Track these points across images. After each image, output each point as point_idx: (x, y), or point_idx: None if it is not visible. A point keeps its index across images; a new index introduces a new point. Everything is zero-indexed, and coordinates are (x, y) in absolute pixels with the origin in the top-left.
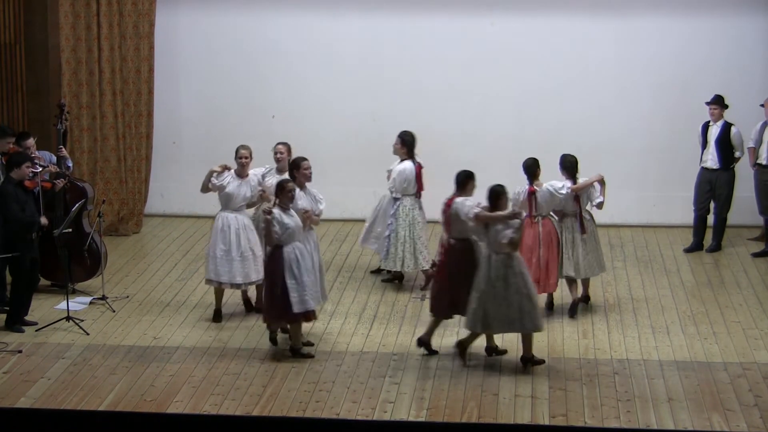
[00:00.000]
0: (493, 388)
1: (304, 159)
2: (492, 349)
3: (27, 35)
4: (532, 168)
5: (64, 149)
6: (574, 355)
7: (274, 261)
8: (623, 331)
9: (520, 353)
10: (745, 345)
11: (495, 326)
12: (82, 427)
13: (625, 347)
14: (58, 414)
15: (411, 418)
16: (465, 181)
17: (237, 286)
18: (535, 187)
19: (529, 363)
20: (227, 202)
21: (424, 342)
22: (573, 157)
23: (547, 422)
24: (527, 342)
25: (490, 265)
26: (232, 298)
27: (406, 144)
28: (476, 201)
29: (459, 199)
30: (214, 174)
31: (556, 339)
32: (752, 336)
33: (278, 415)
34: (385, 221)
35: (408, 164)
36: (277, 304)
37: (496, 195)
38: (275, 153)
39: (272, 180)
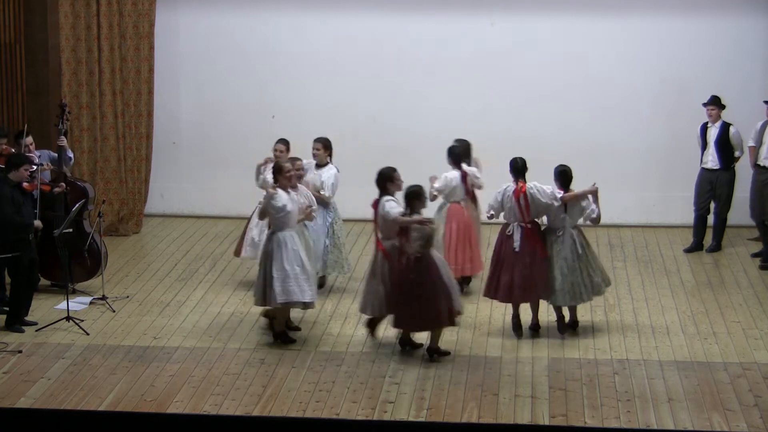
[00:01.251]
0: (493, 388)
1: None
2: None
3: (27, 35)
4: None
5: (65, 139)
6: (574, 355)
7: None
8: (623, 331)
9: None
10: (745, 345)
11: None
12: (82, 428)
13: (625, 347)
14: (58, 414)
15: (411, 418)
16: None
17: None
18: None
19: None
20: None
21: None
22: (568, 167)
23: (547, 422)
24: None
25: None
26: (228, 299)
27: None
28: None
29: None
30: (262, 168)
31: (556, 339)
32: (752, 336)
33: (278, 415)
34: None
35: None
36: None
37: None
38: (274, 151)
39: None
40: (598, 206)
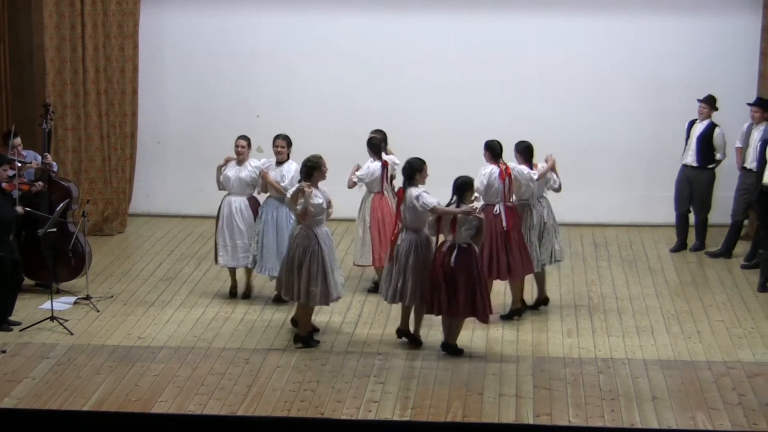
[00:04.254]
0: (477, 388)
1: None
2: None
3: (11, 35)
4: (501, 150)
5: (49, 156)
6: (559, 354)
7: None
8: (608, 330)
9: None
10: (729, 344)
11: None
12: (66, 428)
13: (610, 346)
14: (43, 414)
15: (396, 418)
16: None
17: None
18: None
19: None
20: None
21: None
22: (530, 143)
23: (531, 421)
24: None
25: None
26: (212, 299)
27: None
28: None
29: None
30: (222, 168)
31: (540, 338)
32: (736, 335)
33: (263, 414)
34: None
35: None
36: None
37: (465, 187)
38: (236, 147)
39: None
40: (557, 176)
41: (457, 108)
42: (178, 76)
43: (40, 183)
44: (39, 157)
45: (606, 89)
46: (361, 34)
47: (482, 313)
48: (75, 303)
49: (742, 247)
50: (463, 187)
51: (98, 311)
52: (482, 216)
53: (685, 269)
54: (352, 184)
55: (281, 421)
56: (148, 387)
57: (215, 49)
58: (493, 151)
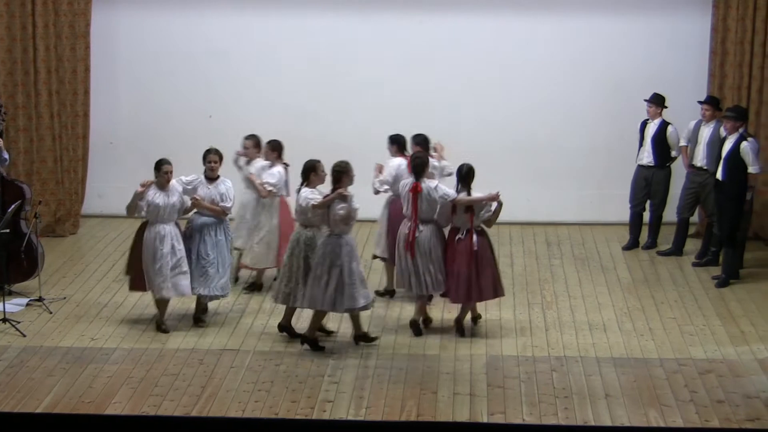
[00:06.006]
0: (431, 387)
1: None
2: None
3: None
4: (421, 167)
5: (0, 140)
6: (512, 352)
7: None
8: (561, 329)
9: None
10: (680, 341)
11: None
12: (19, 430)
13: (563, 344)
14: None
15: (350, 417)
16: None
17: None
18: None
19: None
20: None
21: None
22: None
23: (485, 420)
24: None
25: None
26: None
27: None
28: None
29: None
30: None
31: (494, 337)
32: (688, 332)
33: (217, 415)
34: None
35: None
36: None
37: (472, 174)
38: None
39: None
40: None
41: (410, 109)
42: (130, 76)
43: None
44: None
45: (558, 89)
46: (313, 34)
47: (501, 289)
48: (27, 305)
49: (693, 245)
50: (469, 174)
51: (51, 313)
52: (502, 200)
53: (638, 267)
54: (267, 193)
55: (236, 422)
56: (101, 388)
57: (167, 49)
58: (399, 144)
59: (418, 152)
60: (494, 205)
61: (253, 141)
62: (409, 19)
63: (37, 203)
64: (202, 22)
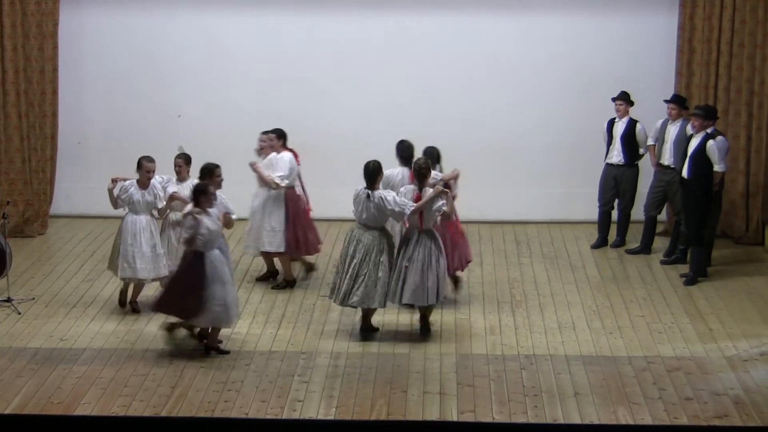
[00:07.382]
0: (401, 386)
1: (217, 166)
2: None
3: None
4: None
5: None
6: (482, 351)
7: (200, 265)
8: (530, 327)
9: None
10: (649, 339)
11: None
12: None
13: (532, 343)
14: None
15: (320, 417)
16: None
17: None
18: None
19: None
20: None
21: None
22: (426, 162)
23: (455, 418)
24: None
25: None
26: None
27: None
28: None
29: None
30: (114, 190)
31: (463, 336)
32: (656, 330)
33: (187, 415)
34: None
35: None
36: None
37: (427, 171)
38: (175, 166)
39: (172, 188)
40: (449, 200)
41: (375, 108)
42: (99, 76)
43: None
44: None
45: (526, 88)
46: (279, 32)
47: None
48: None
49: (661, 243)
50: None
51: (20, 313)
52: (448, 190)
53: (606, 265)
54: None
55: (205, 422)
56: (70, 389)
57: (135, 48)
58: (282, 138)
59: (419, 159)
60: (441, 200)
61: (268, 137)
62: (377, 19)
63: (5, 204)
64: (170, 22)
